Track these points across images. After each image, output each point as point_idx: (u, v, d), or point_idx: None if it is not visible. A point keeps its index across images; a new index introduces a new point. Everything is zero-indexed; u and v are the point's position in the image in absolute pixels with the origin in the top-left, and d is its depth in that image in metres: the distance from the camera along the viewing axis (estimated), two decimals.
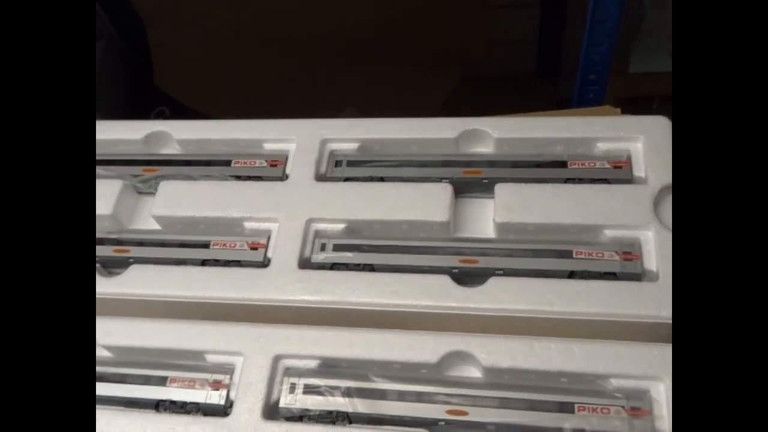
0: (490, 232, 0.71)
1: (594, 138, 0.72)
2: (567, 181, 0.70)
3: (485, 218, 0.72)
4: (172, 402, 0.63)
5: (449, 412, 0.59)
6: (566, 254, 0.66)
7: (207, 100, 1.53)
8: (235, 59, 1.57)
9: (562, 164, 0.71)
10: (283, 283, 0.67)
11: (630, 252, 0.65)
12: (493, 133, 0.74)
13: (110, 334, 0.67)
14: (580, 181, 0.70)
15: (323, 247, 0.70)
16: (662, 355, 0.59)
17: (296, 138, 0.77)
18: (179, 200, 0.75)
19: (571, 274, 0.65)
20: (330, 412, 0.61)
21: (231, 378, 0.64)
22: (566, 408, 0.58)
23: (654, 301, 0.61)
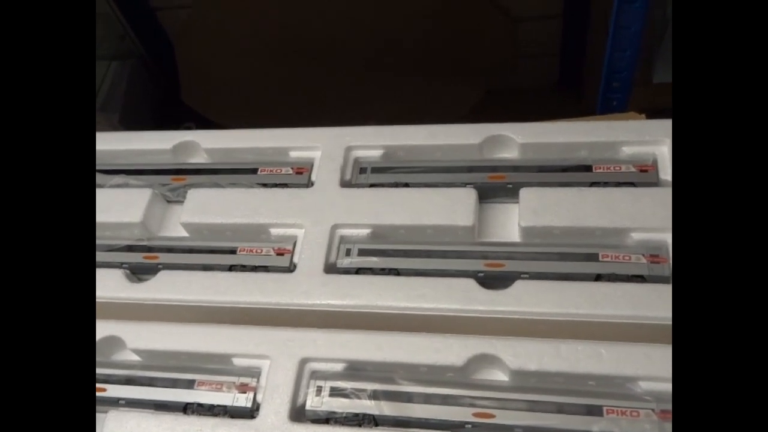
0: (514, 237, 0.71)
1: (619, 142, 0.72)
2: (592, 184, 0.70)
3: (510, 223, 0.72)
4: (200, 405, 0.64)
5: (476, 414, 0.59)
6: (593, 257, 0.65)
7: (233, 115, 1.55)
8: (260, 74, 1.59)
9: (587, 168, 0.71)
10: (309, 288, 0.68)
11: (657, 255, 0.64)
12: (517, 139, 0.74)
13: (139, 338, 0.68)
14: (605, 184, 0.70)
15: (348, 252, 0.70)
16: None
17: (321, 145, 0.78)
18: (207, 207, 0.76)
19: (598, 277, 0.64)
20: (356, 415, 0.61)
21: (258, 381, 0.64)
22: (594, 411, 0.57)
23: None
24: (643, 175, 0.70)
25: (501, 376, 0.63)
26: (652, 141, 0.71)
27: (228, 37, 1.56)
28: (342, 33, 1.55)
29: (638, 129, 0.72)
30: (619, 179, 0.70)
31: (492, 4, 1.46)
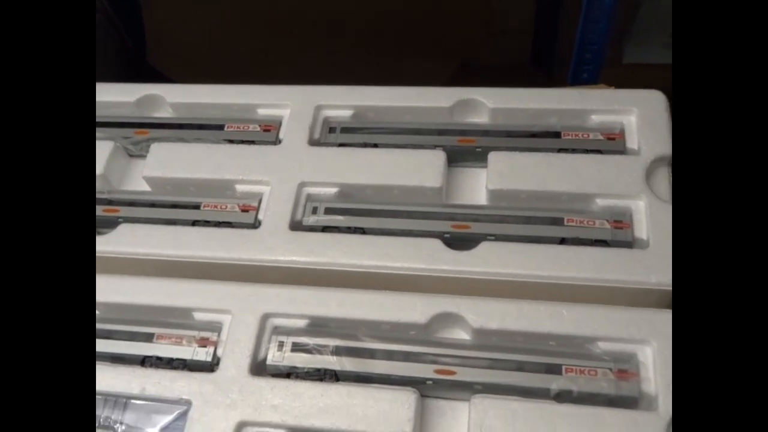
0: (482, 201, 0.71)
1: (588, 110, 0.72)
2: (560, 151, 0.70)
3: (478, 187, 0.72)
4: (158, 358, 0.63)
5: (437, 371, 0.59)
6: (558, 221, 0.66)
7: (199, 81, 1.52)
8: (231, 42, 1.56)
9: (556, 135, 0.72)
10: (273, 244, 0.67)
11: (621, 221, 0.65)
12: (488, 103, 0.74)
13: (99, 290, 0.66)
14: (573, 151, 0.70)
15: (315, 211, 0.70)
16: (650, 320, 0.59)
17: (291, 104, 0.77)
18: (171, 162, 0.74)
19: (563, 241, 0.65)
20: (318, 370, 0.61)
21: (219, 336, 0.63)
22: (554, 369, 0.58)
23: (644, 267, 0.61)
24: (610, 143, 0.70)
25: (463, 335, 0.63)
26: (620, 110, 0.72)
27: (199, 2, 1.52)
28: (315, 6, 1.53)
29: (607, 98, 0.72)
30: (586, 146, 0.70)
31: None
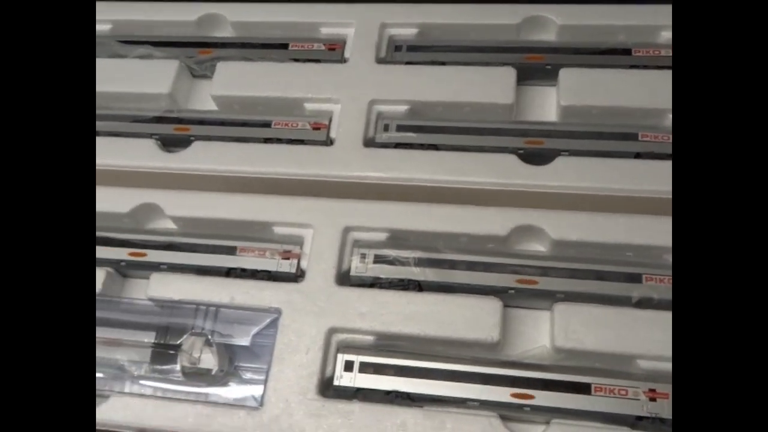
0: (551, 118, 0.71)
1: (659, 26, 0.72)
2: (631, 67, 0.70)
3: (547, 105, 0.73)
4: (243, 270, 0.65)
5: (519, 281, 0.61)
6: (631, 137, 0.66)
7: None
8: None
9: (626, 51, 0.71)
10: (349, 160, 0.68)
11: None
12: (556, 20, 0.73)
13: (179, 205, 0.68)
14: (644, 67, 0.70)
15: (386, 128, 0.70)
16: None
17: (355, 22, 0.77)
18: (238, 80, 0.74)
19: (637, 155, 0.66)
20: (401, 280, 0.62)
21: (301, 248, 0.65)
22: (634, 278, 0.60)
23: None
24: None
25: (539, 248, 0.64)
26: None
27: None
28: None
29: None
30: (657, 63, 0.70)
31: None
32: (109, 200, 0.69)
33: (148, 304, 0.64)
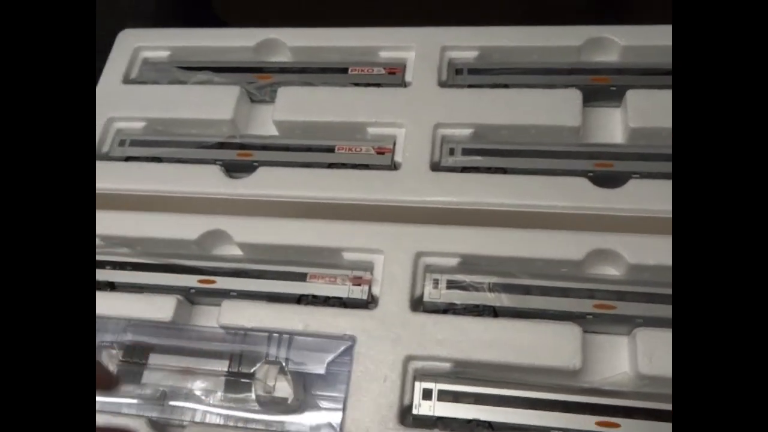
0: (617, 140, 0.71)
1: None
2: None
3: (611, 126, 0.72)
4: (314, 296, 0.64)
5: (597, 306, 0.60)
6: None
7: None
8: None
9: None
10: (416, 185, 0.67)
11: None
12: (620, 41, 0.73)
13: (247, 231, 0.68)
14: None
15: (452, 152, 0.70)
16: None
17: (415, 45, 0.77)
18: (300, 105, 0.74)
19: None
20: (476, 306, 0.62)
21: (372, 274, 0.64)
22: None
23: None
24: None
25: (613, 272, 0.64)
26: None
27: None
28: None
29: None
30: None
31: None
32: (176, 227, 0.69)
33: (219, 332, 0.63)
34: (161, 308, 0.65)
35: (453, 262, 0.64)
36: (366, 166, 0.71)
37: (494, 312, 0.62)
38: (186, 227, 0.69)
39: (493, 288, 0.62)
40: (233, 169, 0.73)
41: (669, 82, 0.70)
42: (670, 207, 0.63)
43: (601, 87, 0.72)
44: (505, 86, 0.73)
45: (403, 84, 0.75)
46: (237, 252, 0.70)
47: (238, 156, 0.73)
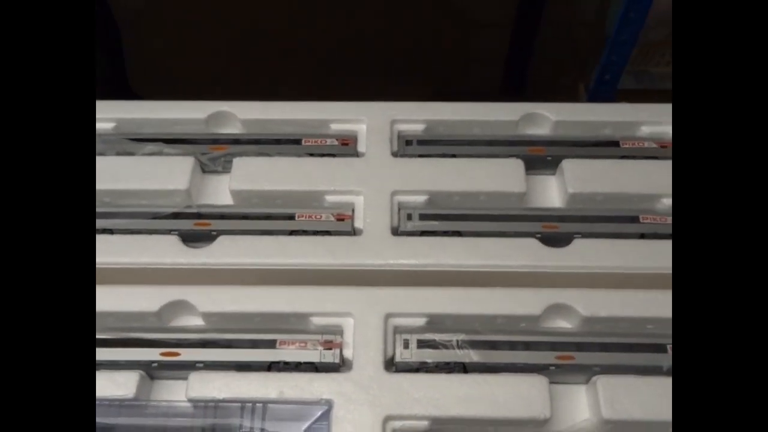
0: (555, 204, 0.77)
1: (640, 122, 0.81)
2: (622, 158, 0.78)
3: (548, 192, 0.79)
4: (285, 363, 0.64)
5: (558, 357, 0.64)
6: (634, 219, 0.73)
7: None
8: (214, 65, 1.57)
9: (615, 144, 0.79)
10: (380, 249, 0.70)
11: None
12: (551, 117, 0.81)
13: (211, 301, 0.67)
14: (633, 158, 0.78)
15: (410, 217, 0.73)
16: None
17: (366, 119, 0.81)
18: (257, 175, 0.76)
19: (642, 236, 0.72)
20: (447, 363, 0.64)
21: (341, 337, 0.65)
22: (660, 349, 0.65)
23: None
24: (663, 151, 0.79)
25: (567, 324, 0.68)
26: (667, 122, 0.81)
27: (182, 25, 1.52)
28: (292, 33, 1.57)
29: (657, 111, 0.81)
30: (644, 154, 0.79)
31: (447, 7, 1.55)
32: (135, 299, 0.67)
33: (188, 406, 0.61)
34: (122, 385, 0.62)
35: (421, 321, 0.67)
36: (328, 233, 0.72)
37: (464, 368, 0.64)
38: (145, 299, 0.67)
39: (461, 345, 0.65)
40: (191, 239, 0.72)
41: (596, 153, 0.78)
42: (614, 263, 0.69)
43: (538, 157, 0.79)
44: (453, 156, 0.79)
45: (356, 154, 0.79)
46: (200, 322, 0.68)
47: (195, 225, 0.73)
